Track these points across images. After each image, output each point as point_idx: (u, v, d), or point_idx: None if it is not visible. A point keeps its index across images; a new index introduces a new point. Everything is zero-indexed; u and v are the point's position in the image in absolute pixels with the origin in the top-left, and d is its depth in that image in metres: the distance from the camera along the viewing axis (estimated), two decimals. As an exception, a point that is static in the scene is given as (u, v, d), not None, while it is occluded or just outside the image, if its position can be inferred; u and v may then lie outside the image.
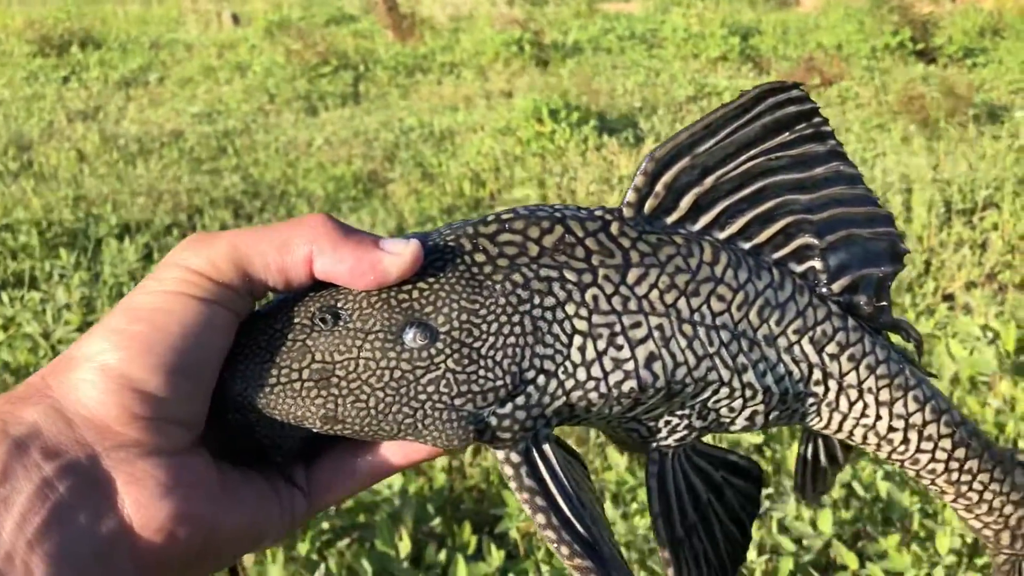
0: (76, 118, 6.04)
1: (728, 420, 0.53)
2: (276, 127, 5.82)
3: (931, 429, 0.58)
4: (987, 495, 0.61)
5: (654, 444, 0.54)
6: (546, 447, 0.49)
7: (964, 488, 0.60)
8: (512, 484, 0.48)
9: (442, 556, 1.83)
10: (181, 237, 3.08)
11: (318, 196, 4.45)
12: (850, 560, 1.73)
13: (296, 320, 0.47)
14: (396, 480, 2.04)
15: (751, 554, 1.73)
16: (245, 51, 7.97)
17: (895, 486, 1.93)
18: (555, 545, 0.47)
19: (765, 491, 1.92)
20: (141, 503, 0.41)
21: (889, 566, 1.75)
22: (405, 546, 1.82)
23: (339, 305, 0.47)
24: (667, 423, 0.52)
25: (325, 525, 1.93)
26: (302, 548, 1.84)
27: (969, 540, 1.82)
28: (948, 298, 3.23)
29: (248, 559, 1.87)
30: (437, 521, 1.97)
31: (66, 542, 0.39)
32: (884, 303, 0.55)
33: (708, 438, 0.61)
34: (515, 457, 0.48)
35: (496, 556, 1.81)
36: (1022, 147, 4.47)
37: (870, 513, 1.90)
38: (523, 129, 4.99)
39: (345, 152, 5.17)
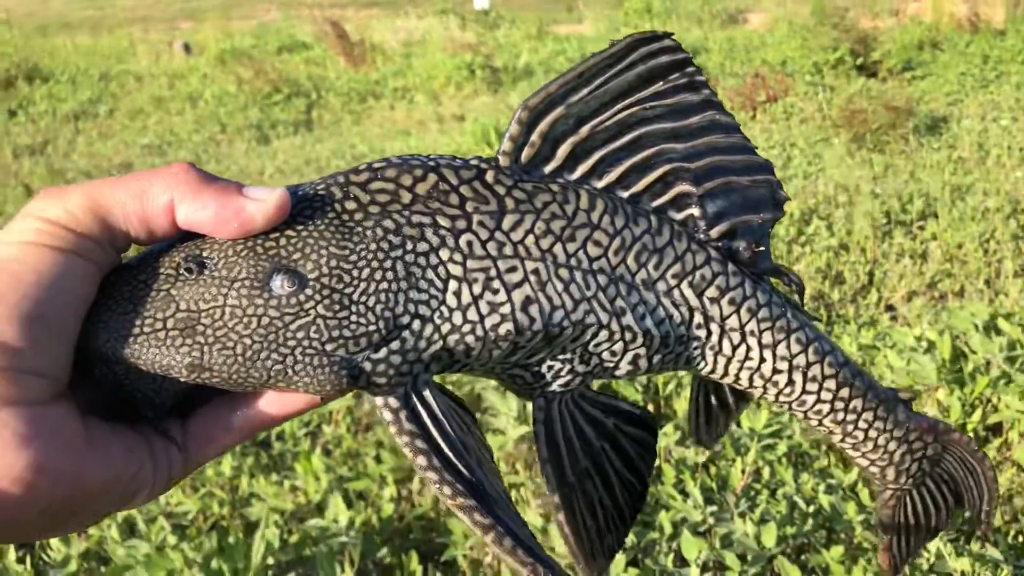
0: (23, 153, 5.97)
1: (611, 364, 0.54)
2: (227, 157, 5.79)
3: (815, 370, 0.59)
4: (872, 433, 0.64)
5: (539, 390, 0.54)
6: (426, 392, 0.49)
7: (850, 427, 0.63)
8: (391, 429, 0.48)
9: (388, 587, 1.82)
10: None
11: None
12: (793, 574, 1.75)
13: (160, 270, 0.46)
14: (342, 512, 2.03)
15: (693, 571, 1.74)
16: (197, 81, 7.93)
17: (837, 499, 1.95)
18: (436, 486, 0.47)
19: (710, 508, 1.93)
20: None
21: (832, 578, 1.77)
22: (349, 579, 1.80)
23: (204, 254, 0.46)
24: (550, 368, 0.53)
25: (271, 561, 1.91)
26: (247, 585, 1.82)
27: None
28: (891, 308, 3.29)
29: (191, 599, 1.84)
30: (384, 551, 1.96)
31: None
32: (763, 249, 0.57)
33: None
34: (394, 402, 0.48)
35: (442, 585, 1.80)
36: (960, 158, 4.58)
37: (814, 526, 1.93)
38: (473, 152, 5.01)
39: (297, 180, 5.15)
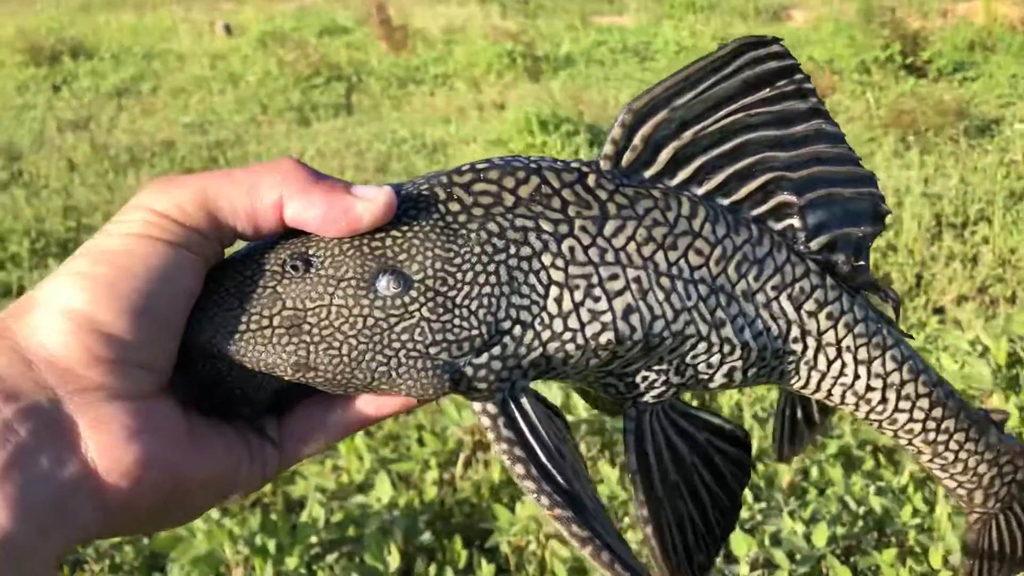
0: (67, 128, 6.02)
1: (706, 376, 0.53)
2: (268, 138, 5.81)
3: (909, 388, 0.58)
4: (962, 454, 0.62)
5: (632, 400, 0.53)
6: (524, 399, 0.49)
7: (940, 448, 0.61)
8: (489, 435, 0.48)
9: (432, 570, 1.81)
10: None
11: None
12: (844, 575, 1.72)
13: (266, 267, 0.46)
14: (386, 493, 2.02)
15: (743, 569, 1.72)
16: (238, 61, 7.96)
17: (889, 501, 1.92)
18: (534, 496, 0.47)
19: (758, 505, 1.91)
20: (105, 447, 0.40)
21: (882, 581, 1.74)
22: (394, 560, 1.80)
23: (310, 252, 0.46)
24: (644, 378, 0.52)
25: (314, 539, 1.91)
26: (291, 562, 1.82)
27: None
28: (939, 311, 3.23)
29: (238, 570, 1.84)
30: (427, 535, 1.95)
31: (27, 486, 0.38)
32: (863, 263, 0.55)
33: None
34: (492, 408, 0.48)
35: (486, 570, 1.79)
36: (1012, 161, 4.49)
37: (864, 528, 1.90)
38: (514, 141, 4.99)
39: (337, 163, 5.16)
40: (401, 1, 9.77)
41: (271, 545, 1.83)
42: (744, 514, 1.89)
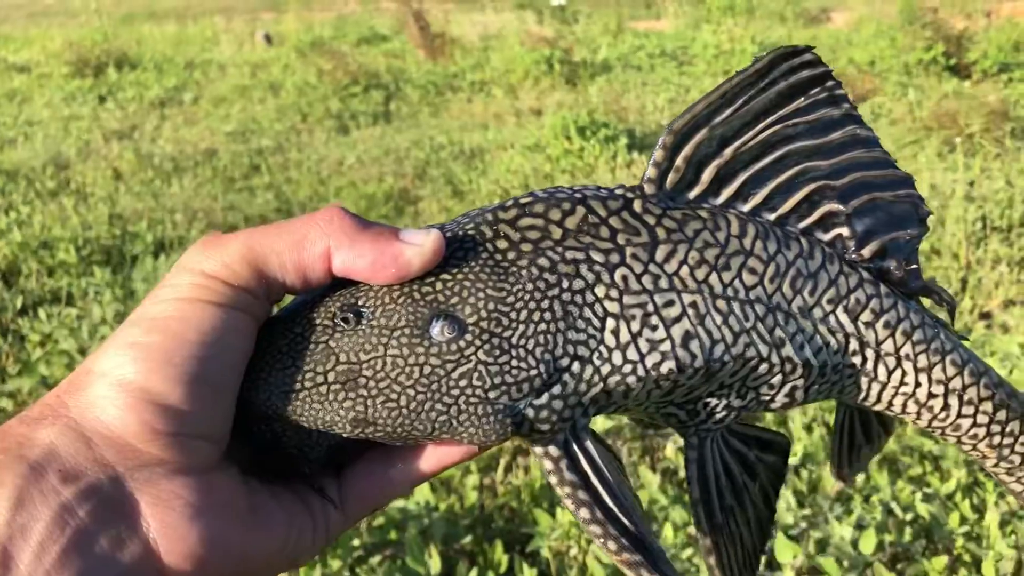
0: (112, 137, 6.13)
1: (768, 398, 0.52)
2: (308, 146, 5.87)
3: (971, 393, 0.56)
4: None
5: (693, 428, 0.52)
6: (585, 438, 0.47)
7: (1007, 451, 0.59)
8: (552, 479, 0.46)
9: (473, 574, 1.82)
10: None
11: (349, 213, 4.46)
12: (890, 583, 1.70)
13: (317, 321, 0.45)
14: (426, 497, 2.03)
15: (788, 575, 1.70)
16: (278, 71, 8.06)
17: (937, 508, 1.89)
18: (601, 540, 0.45)
19: (803, 512, 1.89)
20: (168, 527, 0.39)
21: (930, 589, 1.71)
22: (435, 564, 1.80)
23: (360, 303, 0.45)
24: (706, 405, 0.51)
25: (356, 542, 1.92)
26: (334, 564, 1.83)
27: (1014, 564, 1.78)
28: (985, 316, 3.17)
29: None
30: (468, 539, 1.96)
31: (87, 570, 0.36)
32: (914, 266, 0.54)
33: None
34: (554, 451, 0.46)
35: (528, 575, 1.79)
36: (1061, 163, 4.40)
37: (912, 534, 1.86)
38: (552, 146, 4.99)
39: (376, 170, 5.20)
40: (436, 10, 9.83)
41: (314, 548, 1.84)
42: (788, 519, 1.87)
